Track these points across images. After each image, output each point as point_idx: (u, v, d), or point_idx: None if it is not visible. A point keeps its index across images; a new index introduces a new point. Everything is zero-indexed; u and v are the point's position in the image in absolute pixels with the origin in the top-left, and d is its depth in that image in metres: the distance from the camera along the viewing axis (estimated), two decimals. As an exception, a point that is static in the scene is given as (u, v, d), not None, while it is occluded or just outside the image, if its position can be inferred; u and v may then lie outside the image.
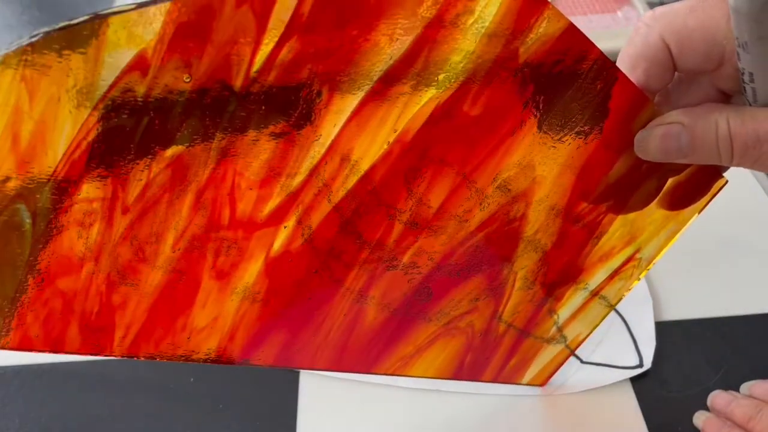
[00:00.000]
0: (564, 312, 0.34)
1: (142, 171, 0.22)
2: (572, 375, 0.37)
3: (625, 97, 0.25)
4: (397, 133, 0.24)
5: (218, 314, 0.26)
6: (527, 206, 0.28)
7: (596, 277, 0.32)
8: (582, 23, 0.64)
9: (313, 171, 0.24)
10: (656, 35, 0.24)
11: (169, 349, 0.26)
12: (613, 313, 0.40)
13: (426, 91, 0.23)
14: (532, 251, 0.30)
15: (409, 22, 0.21)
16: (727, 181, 0.30)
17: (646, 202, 0.29)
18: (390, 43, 0.21)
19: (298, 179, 0.24)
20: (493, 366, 0.35)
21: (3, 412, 0.38)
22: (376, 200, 0.25)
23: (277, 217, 0.24)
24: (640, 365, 0.37)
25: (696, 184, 0.30)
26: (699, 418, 0.34)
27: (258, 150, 0.22)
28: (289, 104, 0.22)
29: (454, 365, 0.33)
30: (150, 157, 0.21)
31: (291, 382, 0.38)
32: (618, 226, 0.30)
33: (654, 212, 0.30)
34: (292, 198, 0.24)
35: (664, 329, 0.39)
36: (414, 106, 0.23)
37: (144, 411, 0.38)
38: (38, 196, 0.21)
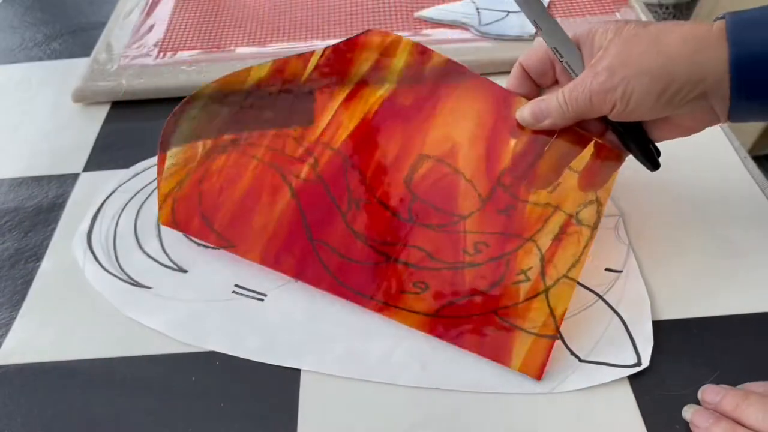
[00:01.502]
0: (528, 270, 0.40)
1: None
2: (570, 373, 0.38)
3: (503, 98, 0.43)
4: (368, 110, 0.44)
5: (268, 219, 0.42)
6: (457, 161, 0.42)
7: (541, 240, 0.40)
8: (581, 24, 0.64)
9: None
10: (518, 63, 0.42)
11: (241, 248, 0.43)
12: (610, 312, 0.40)
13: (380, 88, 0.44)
14: (472, 201, 0.41)
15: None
16: (624, 159, 0.42)
17: (551, 179, 0.42)
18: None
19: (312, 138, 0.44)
20: (472, 327, 0.38)
21: (5, 411, 0.38)
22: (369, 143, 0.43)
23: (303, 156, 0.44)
24: (638, 364, 0.37)
25: (600, 167, 0.41)
26: (688, 411, 0.35)
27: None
28: None
29: (432, 307, 0.39)
30: None
31: (292, 381, 0.39)
32: (539, 194, 0.41)
33: (571, 184, 0.41)
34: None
35: (662, 328, 0.39)
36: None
37: (145, 409, 0.38)
38: None
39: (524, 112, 0.41)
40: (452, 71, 0.43)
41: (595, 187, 0.41)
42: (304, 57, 0.44)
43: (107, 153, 0.55)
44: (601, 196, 0.42)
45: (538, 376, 0.37)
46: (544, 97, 0.40)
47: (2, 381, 0.40)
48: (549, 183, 0.41)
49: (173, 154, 0.44)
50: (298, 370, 0.39)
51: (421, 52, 0.44)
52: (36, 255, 0.47)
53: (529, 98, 0.42)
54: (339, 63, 0.44)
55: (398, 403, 0.37)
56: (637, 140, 0.40)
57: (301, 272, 0.41)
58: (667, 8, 1.42)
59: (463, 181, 0.42)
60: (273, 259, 0.41)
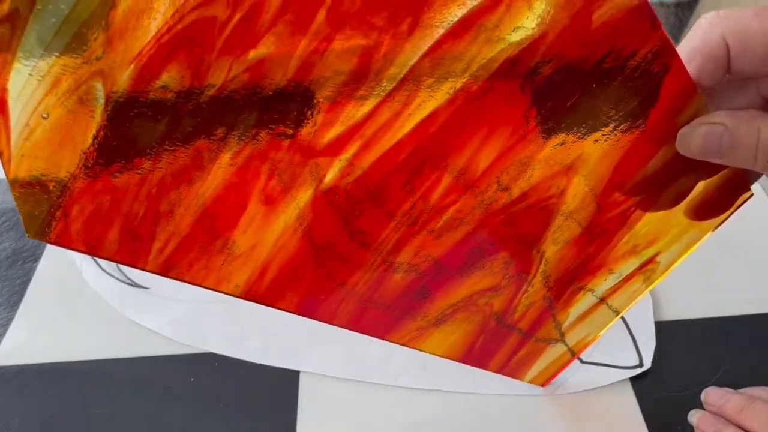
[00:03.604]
0: (581, 307, 0.34)
1: (221, 72, 0.22)
2: (572, 375, 0.37)
3: (676, 87, 0.25)
4: (464, 80, 0.24)
5: (257, 243, 0.26)
6: (569, 182, 0.28)
7: (618, 271, 0.32)
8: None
9: (380, 104, 0.24)
10: (718, 33, 0.24)
11: (200, 274, 0.26)
12: (612, 313, 0.40)
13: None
14: (563, 234, 0.30)
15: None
16: (752, 194, 0.30)
17: (675, 202, 0.30)
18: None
19: (364, 109, 0.24)
20: (500, 356, 0.35)
21: (4, 412, 0.38)
22: (431, 149, 0.25)
23: (335, 147, 0.24)
24: (640, 365, 0.37)
25: (723, 195, 0.30)
26: (694, 416, 0.35)
27: (333, 67, 0.22)
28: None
29: (465, 346, 0.33)
30: (233, 57, 0.21)
31: (291, 382, 0.38)
32: (645, 224, 0.31)
33: (679, 215, 0.31)
34: (355, 129, 0.24)
35: (664, 329, 0.39)
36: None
37: (144, 410, 0.38)
38: (118, 76, 0.21)
39: (694, 138, 0.26)
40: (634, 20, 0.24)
41: (709, 218, 0.31)
42: None
43: (106, 152, 0.55)
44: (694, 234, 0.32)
45: (544, 384, 0.37)
46: (728, 123, 0.25)
47: (0, 382, 0.40)
48: (664, 209, 0.30)
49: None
50: (298, 372, 0.39)
51: None
52: (34, 255, 0.47)
53: (705, 85, 0.26)
54: None
55: (398, 404, 0.37)
56: None
57: (307, 311, 0.29)
58: (668, 7, 1.41)
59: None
60: (264, 294, 0.28)
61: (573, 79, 0.25)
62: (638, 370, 0.37)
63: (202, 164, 0.23)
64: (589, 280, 0.32)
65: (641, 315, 0.40)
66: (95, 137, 0.22)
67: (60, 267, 0.46)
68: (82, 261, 0.46)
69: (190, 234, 0.25)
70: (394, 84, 0.23)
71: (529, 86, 0.25)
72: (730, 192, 0.30)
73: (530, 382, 0.37)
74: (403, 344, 0.32)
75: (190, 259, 0.25)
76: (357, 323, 0.30)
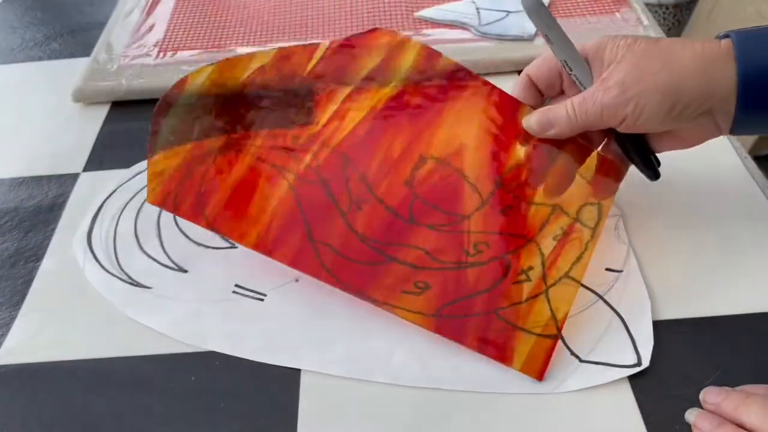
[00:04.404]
0: (532, 273, 0.40)
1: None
2: (570, 374, 0.38)
3: (509, 104, 0.43)
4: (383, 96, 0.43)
5: (264, 208, 0.41)
6: (462, 162, 0.42)
7: (543, 240, 0.41)
8: (581, 24, 0.64)
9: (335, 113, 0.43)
10: (524, 73, 0.43)
11: (228, 225, 0.41)
12: (611, 312, 0.40)
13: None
14: (474, 201, 0.41)
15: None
16: (626, 170, 0.44)
17: (564, 186, 0.43)
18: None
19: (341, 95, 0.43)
20: (474, 326, 0.38)
21: (5, 411, 0.38)
22: (366, 142, 0.43)
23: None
24: (638, 364, 0.37)
25: (605, 178, 0.43)
26: (691, 414, 0.35)
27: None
28: None
29: (432, 306, 0.39)
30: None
31: (292, 381, 0.39)
32: (543, 197, 0.42)
33: (572, 190, 0.43)
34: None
35: (662, 328, 0.39)
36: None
37: (145, 410, 0.38)
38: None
39: (531, 120, 0.42)
40: (461, 75, 0.43)
41: (604, 197, 0.43)
42: (309, 49, 0.43)
43: (107, 153, 0.55)
44: (604, 203, 0.43)
45: (540, 376, 0.37)
46: (551, 107, 0.41)
47: (2, 381, 0.40)
48: (563, 190, 0.42)
49: (166, 136, 0.42)
50: (298, 370, 0.39)
51: (429, 55, 0.43)
52: (36, 255, 0.47)
53: (534, 107, 0.43)
54: (344, 58, 0.43)
55: (398, 403, 0.37)
56: (640, 151, 0.41)
57: (296, 263, 0.40)
58: (667, 8, 1.42)
59: (466, 182, 0.41)
60: (269, 247, 0.40)
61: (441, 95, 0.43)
62: (636, 369, 0.37)
63: (240, 150, 0.43)
64: (522, 246, 0.41)
65: (639, 314, 0.40)
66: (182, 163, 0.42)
67: (62, 267, 0.46)
68: (84, 261, 0.46)
69: (227, 202, 0.41)
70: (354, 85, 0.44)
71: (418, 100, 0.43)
72: (609, 175, 0.43)
73: (522, 371, 0.37)
74: (380, 304, 0.39)
75: (226, 217, 0.41)
76: (339, 275, 0.40)
